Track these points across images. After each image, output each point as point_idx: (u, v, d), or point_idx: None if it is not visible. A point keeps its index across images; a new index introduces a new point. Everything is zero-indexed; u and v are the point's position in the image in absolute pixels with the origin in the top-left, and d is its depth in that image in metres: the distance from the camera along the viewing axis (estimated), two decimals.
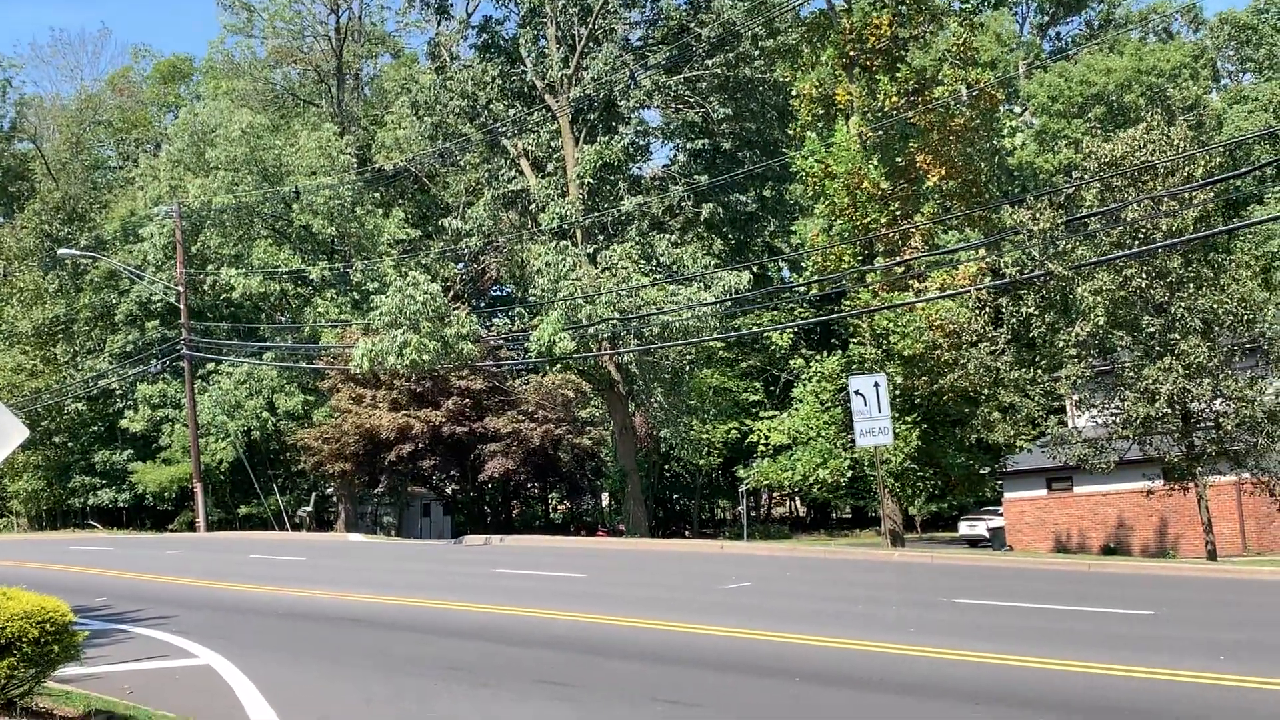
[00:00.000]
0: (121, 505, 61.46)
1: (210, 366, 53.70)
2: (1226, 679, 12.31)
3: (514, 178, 46.58)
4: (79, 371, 61.30)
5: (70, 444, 62.21)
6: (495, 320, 53.08)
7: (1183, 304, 28.65)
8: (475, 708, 12.58)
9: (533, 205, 45.39)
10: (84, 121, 72.69)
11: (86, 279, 61.73)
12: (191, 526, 52.78)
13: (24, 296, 63.06)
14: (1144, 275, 28.79)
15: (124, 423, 57.15)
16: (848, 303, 39.24)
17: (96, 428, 61.88)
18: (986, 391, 35.12)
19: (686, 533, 59.76)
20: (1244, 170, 33.64)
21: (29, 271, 63.74)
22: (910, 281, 37.10)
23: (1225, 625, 16.99)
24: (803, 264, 43.07)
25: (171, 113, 75.22)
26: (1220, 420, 29.20)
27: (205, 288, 54.73)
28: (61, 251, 55.52)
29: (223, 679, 14.76)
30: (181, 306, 49.63)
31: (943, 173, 36.76)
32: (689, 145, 49.15)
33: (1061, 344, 31.05)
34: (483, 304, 60.47)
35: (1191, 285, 28.98)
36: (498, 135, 46.26)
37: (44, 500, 63.23)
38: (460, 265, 58.41)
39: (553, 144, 45.62)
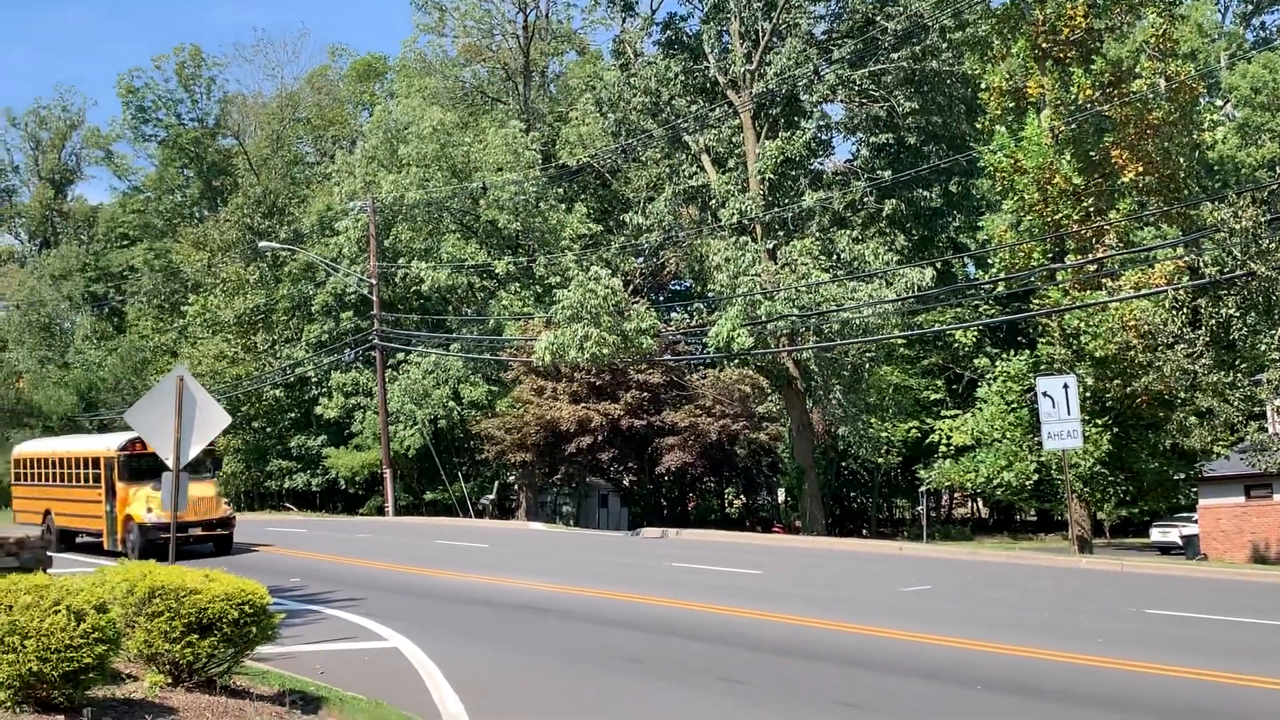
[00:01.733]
0: (315, 489, 63.74)
1: (400, 356, 55.34)
2: None
3: (695, 173, 46.73)
4: (277, 359, 63.80)
5: (268, 429, 64.79)
6: (674, 315, 53.28)
7: None
8: (654, 700, 12.72)
9: (713, 201, 45.47)
10: (283, 119, 75.55)
11: (285, 270, 64.21)
12: (380, 510, 54.45)
13: (227, 287, 65.86)
14: None
15: (318, 409, 59.29)
16: (1036, 301, 38.24)
17: (293, 414, 64.33)
18: (1183, 395, 33.83)
19: (864, 532, 59.14)
20: None
21: (231, 263, 66.56)
22: (1103, 280, 35.95)
23: None
24: (989, 261, 42.13)
25: (366, 110, 77.67)
26: None
27: (396, 280, 56.40)
28: (262, 244, 57.89)
29: (409, 662, 15.23)
30: (374, 298, 51.26)
31: (1139, 168, 35.51)
32: (872, 139, 48.55)
33: (1264, 347, 29.71)
34: (662, 299, 60.84)
35: None
36: (679, 131, 46.47)
37: (242, 482, 66.02)
38: (640, 260, 58.89)
39: (734, 139, 45.61)
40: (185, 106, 77.46)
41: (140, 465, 30.62)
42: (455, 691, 13.08)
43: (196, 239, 69.40)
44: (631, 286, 53.47)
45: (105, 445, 32.37)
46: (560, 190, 59.54)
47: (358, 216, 54.87)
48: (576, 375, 49.26)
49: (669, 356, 48.27)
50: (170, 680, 10.76)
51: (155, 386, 17.93)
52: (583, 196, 61.36)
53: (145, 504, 29.55)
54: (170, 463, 17.10)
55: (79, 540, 33.98)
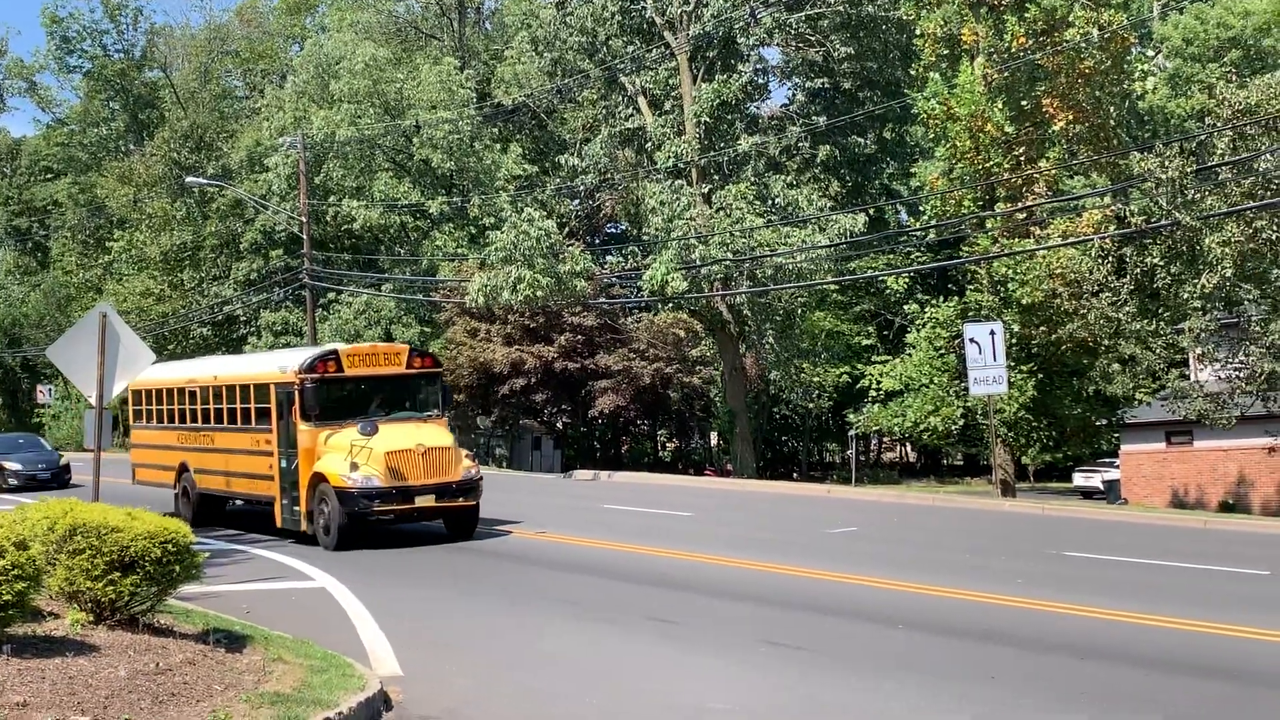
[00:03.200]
0: None
1: (331, 296, 54.78)
2: None
3: (631, 115, 46.49)
4: (205, 297, 62.99)
5: None
6: (609, 258, 53.22)
7: None
8: (586, 640, 12.83)
9: (649, 144, 45.30)
10: (212, 52, 74.03)
11: (213, 207, 63.21)
12: None
13: (153, 223, 64.74)
14: (1275, 227, 27.83)
15: (247, 348, 58.66)
16: (966, 248, 38.59)
17: (221, 352, 63.60)
18: (1106, 343, 34.33)
19: (794, 475, 59.71)
20: None
21: (158, 199, 65.41)
22: (1032, 228, 36.34)
23: None
24: (921, 208, 42.37)
25: (297, 44, 76.27)
26: None
27: (327, 218, 55.71)
28: (189, 179, 56.85)
29: (336, 600, 15.24)
30: (304, 236, 50.60)
31: (1070, 117, 35.79)
32: (808, 85, 48.50)
33: (1186, 296, 30.20)
34: (597, 241, 60.65)
35: None
36: (616, 72, 46.16)
37: None
38: (575, 202, 58.60)
39: (670, 82, 45.39)
40: (111, 38, 75.72)
41: (338, 395, 20.92)
42: (383, 630, 13.12)
43: (122, 173, 68.04)
44: (567, 229, 53.16)
45: (277, 366, 21.98)
46: (495, 130, 58.97)
47: (288, 153, 54.02)
48: (510, 317, 49.05)
49: (603, 299, 48.21)
50: (92, 618, 10.68)
51: (77, 323, 17.64)
52: (518, 137, 60.82)
53: (347, 457, 19.68)
54: (94, 401, 16.86)
55: (231, 508, 25.12)
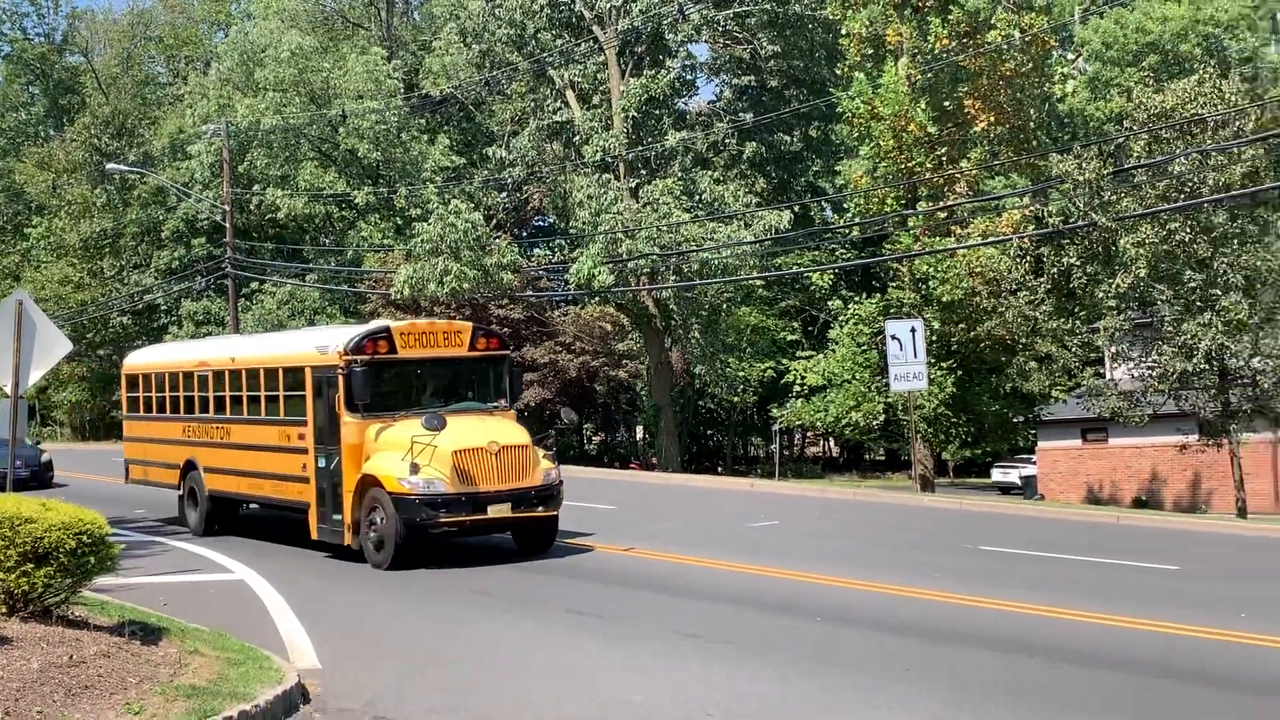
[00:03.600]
0: None
1: (254, 286, 54.18)
2: (1247, 638, 12.40)
3: (559, 109, 46.48)
4: (125, 286, 62.01)
5: (114, 357, 63.05)
6: (536, 251, 53.17)
7: (1225, 260, 28.37)
8: (499, 633, 12.89)
9: (577, 137, 45.32)
10: (135, 37, 72.88)
11: (134, 194, 62.26)
12: None
13: (72, 210, 63.66)
14: (1188, 229, 28.50)
15: (168, 339, 57.89)
16: (889, 246, 39.09)
17: (140, 342, 62.66)
18: (1024, 340, 35.01)
19: (719, 469, 60.04)
20: None
21: (78, 185, 64.31)
22: (953, 227, 36.93)
23: (1249, 582, 17.05)
24: (845, 206, 42.85)
25: (222, 31, 75.20)
26: (1258, 379, 29.02)
27: (251, 207, 55.10)
28: (110, 166, 55.93)
29: (255, 593, 15.18)
30: (227, 225, 50.02)
31: (991, 118, 36.41)
32: (735, 82, 48.77)
33: (1101, 295, 30.86)
34: (524, 234, 60.53)
35: (1236, 241, 28.68)
36: (545, 66, 46.13)
37: (87, 411, 64.22)
38: (503, 195, 58.45)
39: (599, 76, 45.45)
40: (31, 21, 74.19)
41: (390, 382, 17.99)
42: (302, 623, 13.11)
43: (41, 159, 66.78)
44: (494, 221, 53.03)
45: (314, 346, 18.51)
46: (423, 121, 58.65)
47: (211, 140, 53.34)
48: (437, 309, 48.85)
49: (530, 292, 48.18)
50: (5, 610, 10.57)
51: None
52: (446, 128, 60.52)
53: (406, 457, 16.61)
54: (9, 391, 16.63)
55: (246, 512, 21.92)
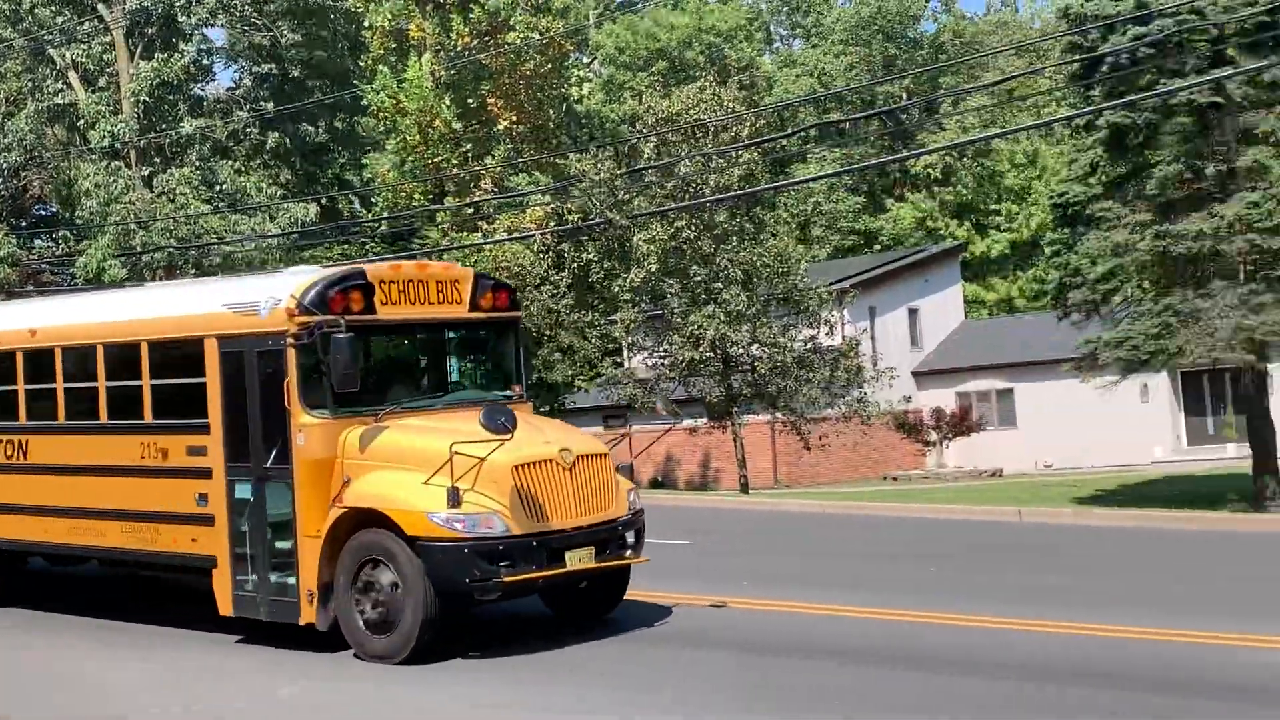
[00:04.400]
0: None
1: None
2: (754, 604, 13.53)
3: (61, 90, 43.34)
4: None
5: None
6: (38, 242, 49.36)
7: (726, 255, 30.66)
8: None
9: (81, 121, 42.43)
10: None
11: None
12: None
13: None
14: (693, 227, 30.60)
15: None
16: (418, 241, 39.32)
17: None
18: (548, 333, 36.33)
19: None
20: (789, 133, 36.40)
21: None
22: (480, 223, 37.68)
23: (752, 555, 18.58)
24: (374, 200, 42.69)
25: None
26: (756, 364, 31.56)
27: None
28: None
29: None
30: None
31: (514, 117, 37.45)
32: (256, 69, 47.33)
33: (618, 289, 32.57)
34: (24, 224, 55.93)
35: (735, 238, 31.06)
36: (44, 44, 42.83)
37: None
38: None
39: (105, 58, 42.71)
40: None
41: (380, 352, 12.29)
42: None
43: None
44: None
45: (229, 301, 11.66)
46: None
47: None
48: None
49: (32, 287, 44.60)
50: None
51: None
52: None
53: (436, 478, 10.32)
54: None
55: (34, 566, 14.76)
